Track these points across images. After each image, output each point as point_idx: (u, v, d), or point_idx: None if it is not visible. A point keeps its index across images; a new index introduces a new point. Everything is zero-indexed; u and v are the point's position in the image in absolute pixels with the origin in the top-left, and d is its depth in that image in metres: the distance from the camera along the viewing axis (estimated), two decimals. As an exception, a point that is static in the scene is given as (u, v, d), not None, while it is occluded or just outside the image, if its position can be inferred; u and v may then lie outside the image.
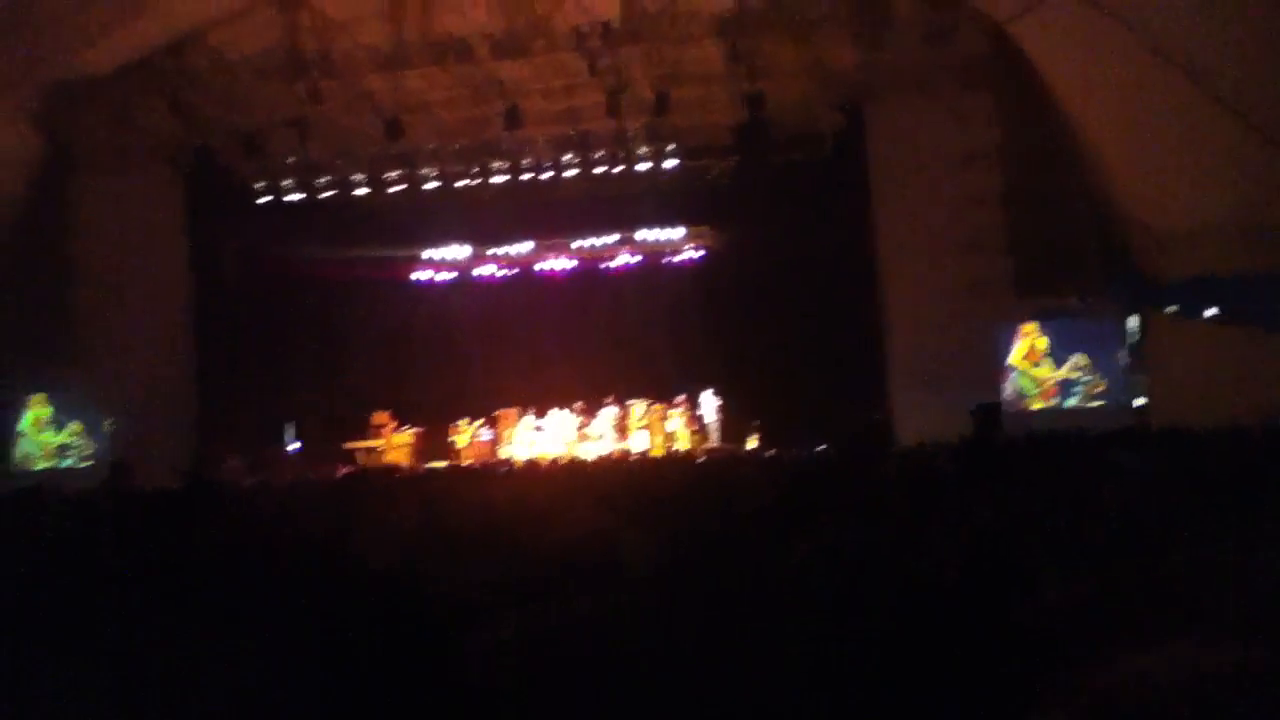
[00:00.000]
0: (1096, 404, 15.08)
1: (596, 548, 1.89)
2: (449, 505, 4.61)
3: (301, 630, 2.20)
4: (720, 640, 2.11)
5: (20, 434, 17.85)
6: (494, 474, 9.99)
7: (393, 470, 13.99)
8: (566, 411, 18.42)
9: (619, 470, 10.20)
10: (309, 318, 18.41)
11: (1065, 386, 15.36)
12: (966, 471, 6.08)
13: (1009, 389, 15.45)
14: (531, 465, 11.56)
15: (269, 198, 17.03)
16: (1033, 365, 15.53)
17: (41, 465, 17.81)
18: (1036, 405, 15.60)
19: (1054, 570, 2.40)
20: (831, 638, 1.90)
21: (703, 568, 3.02)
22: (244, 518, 5.18)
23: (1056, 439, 8.67)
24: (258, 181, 16.80)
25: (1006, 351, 15.50)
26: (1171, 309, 13.88)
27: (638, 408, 18.26)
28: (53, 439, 17.83)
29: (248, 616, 2.39)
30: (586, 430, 18.34)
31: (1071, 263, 14.55)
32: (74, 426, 17.75)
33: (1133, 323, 15.32)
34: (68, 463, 17.67)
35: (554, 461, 12.68)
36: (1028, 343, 15.49)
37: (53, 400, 17.77)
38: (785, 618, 2.06)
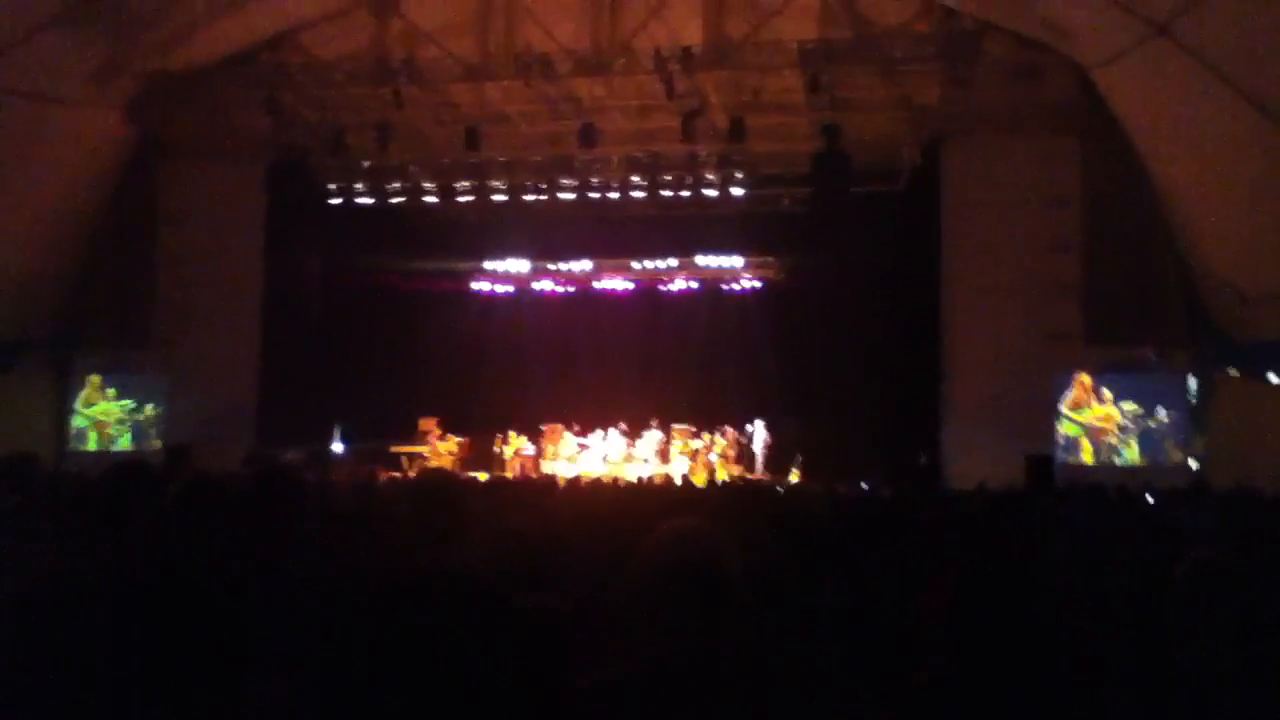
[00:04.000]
0: (1145, 461, 14.88)
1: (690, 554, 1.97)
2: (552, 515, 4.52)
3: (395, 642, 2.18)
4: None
5: (74, 410, 18.00)
6: (558, 487, 9.94)
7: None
8: (611, 431, 18.38)
9: (689, 494, 10.13)
10: (367, 320, 18.51)
11: (1112, 433, 15.21)
12: (1020, 523, 5.93)
13: (1059, 437, 15.28)
14: (591, 483, 11.47)
15: (341, 199, 17.17)
16: (1078, 410, 15.35)
17: (94, 445, 17.93)
18: (1088, 458, 15.40)
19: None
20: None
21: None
22: (318, 514, 5.12)
23: (1115, 494, 8.45)
24: (333, 182, 16.95)
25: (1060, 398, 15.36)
26: (1235, 371, 13.59)
27: (681, 433, 18.17)
28: (107, 416, 17.95)
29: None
30: (631, 451, 18.26)
31: (1147, 315, 14.35)
32: (127, 404, 17.89)
33: (1191, 383, 15.08)
34: (121, 442, 17.79)
35: (613, 481, 12.60)
36: (1079, 390, 15.33)
37: (113, 381, 17.93)
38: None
